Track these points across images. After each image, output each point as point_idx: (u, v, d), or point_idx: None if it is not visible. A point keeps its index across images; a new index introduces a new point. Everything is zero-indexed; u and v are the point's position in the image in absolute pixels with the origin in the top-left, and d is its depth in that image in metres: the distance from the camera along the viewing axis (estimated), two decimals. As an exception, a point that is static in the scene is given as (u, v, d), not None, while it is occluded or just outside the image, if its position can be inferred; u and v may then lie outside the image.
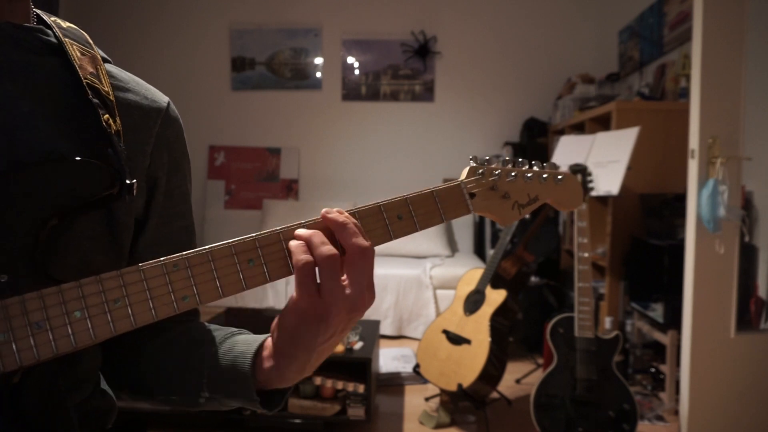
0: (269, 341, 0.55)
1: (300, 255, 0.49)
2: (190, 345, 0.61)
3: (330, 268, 0.49)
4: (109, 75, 0.61)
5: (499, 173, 0.63)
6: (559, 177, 0.66)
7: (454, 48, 4.67)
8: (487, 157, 0.64)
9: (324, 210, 0.53)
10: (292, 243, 0.51)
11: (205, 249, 0.50)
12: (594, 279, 3.02)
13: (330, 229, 0.52)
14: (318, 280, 0.50)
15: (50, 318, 0.45)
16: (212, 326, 0.65)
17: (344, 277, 0.50)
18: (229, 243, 0.51)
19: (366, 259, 0.51)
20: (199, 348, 0.60)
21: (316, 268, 0.49)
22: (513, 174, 0.64)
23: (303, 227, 0.53)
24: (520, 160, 0.66)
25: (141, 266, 0.48)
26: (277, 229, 0.52)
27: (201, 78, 4.80)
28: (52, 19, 0.60)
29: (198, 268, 0.50)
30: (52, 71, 0.56)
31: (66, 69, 0.56)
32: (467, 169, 0.63)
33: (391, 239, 0.57)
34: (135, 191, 0.54)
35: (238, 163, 4.81)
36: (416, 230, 0.59)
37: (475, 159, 0.64)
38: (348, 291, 0.49)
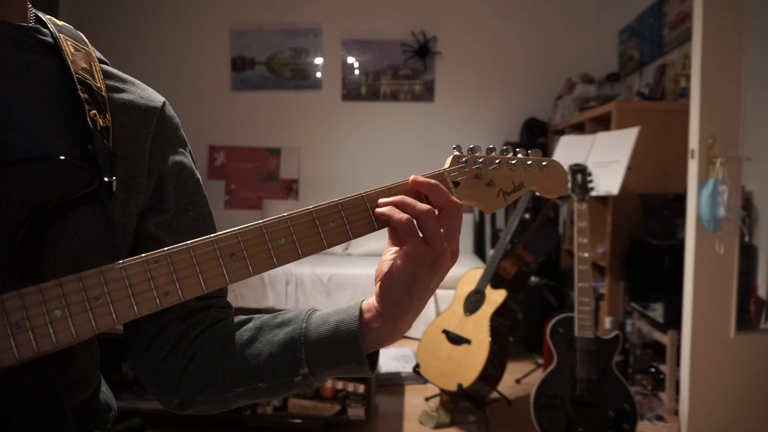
0: (367, 304, 0.57)
1: (399, 214, 0.55)
2: (265, 328, 0.60)
3: (433, 220, 0.55)
4: (106, 75, 0.61)
5: (482, 161, 0.63)
6: (544, 164, 0.66)
7: (454, 48, 4.67)
8: (471, 146, 0.65)
9: (412, 177, 0.59)
10: (383, 209, 0.56)
11: (186, 244, 0.50)
12: (594, 279, 3.01)
13: (421, 192, 0.58)
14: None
15: (30, 317, 0.44)
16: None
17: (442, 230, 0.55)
18: (210, 237, 0.51)
19: (459, 213, 0.57)
20: (283, 328, 0.59)
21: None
22: (497, 162, 0.64)
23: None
24: (504, 147, 0.66)
25: (122, 263, 0.48)
26: (258, 223, 0.53)
27: (201, 78, 4.80)
28: (48, 17, 0.60)
29: (180, 263, 0.49)
30: (48, 70, 0.56)
31: (61, 68, 0.56)
32: (451, 157, 0.64)
33: (375, 229, 0.59)
34: (115, 188, 0.54)
35: (238, 163, 4.81)
36: None
37: (458, 148, 0.64)
38: (448, 241, 0.55)
